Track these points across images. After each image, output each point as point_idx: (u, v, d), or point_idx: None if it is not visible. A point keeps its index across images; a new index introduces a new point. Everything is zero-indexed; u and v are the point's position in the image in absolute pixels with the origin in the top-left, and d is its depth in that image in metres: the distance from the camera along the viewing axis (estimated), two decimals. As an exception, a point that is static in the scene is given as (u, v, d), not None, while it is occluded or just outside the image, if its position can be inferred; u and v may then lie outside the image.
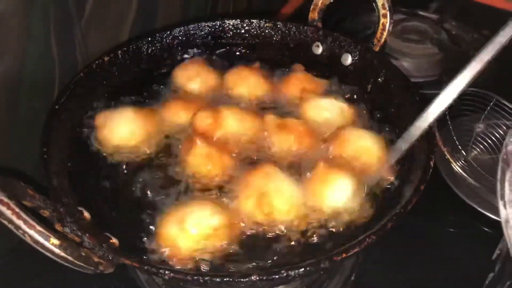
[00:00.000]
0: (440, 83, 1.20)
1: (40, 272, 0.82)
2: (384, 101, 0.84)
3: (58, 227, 0.61)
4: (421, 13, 1.38)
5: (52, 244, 0.52)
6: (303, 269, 0.56)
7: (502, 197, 0.49)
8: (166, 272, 0.56)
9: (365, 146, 0.75)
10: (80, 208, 0.64)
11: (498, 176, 0.51)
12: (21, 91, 0.82)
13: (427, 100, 0.79)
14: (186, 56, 0.95)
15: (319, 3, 0.93)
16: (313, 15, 0.94)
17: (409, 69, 1.22)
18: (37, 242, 0.52)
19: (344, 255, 0.57)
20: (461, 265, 0.88)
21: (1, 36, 0.75)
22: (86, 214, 0.64)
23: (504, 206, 0.49)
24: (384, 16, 0.87)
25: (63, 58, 0.86)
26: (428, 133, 0.71)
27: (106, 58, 0.86)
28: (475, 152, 1.02)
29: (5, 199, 0.52)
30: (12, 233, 0.53)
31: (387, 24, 0.87)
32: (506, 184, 0.49)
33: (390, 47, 1.24)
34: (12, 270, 0.86)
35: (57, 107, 0.76)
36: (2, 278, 0.85)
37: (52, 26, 0.82)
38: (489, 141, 1.01)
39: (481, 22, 1.37)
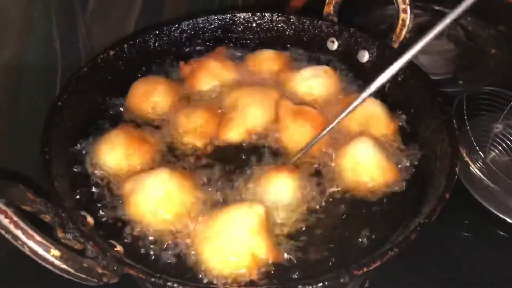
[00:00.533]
0: (455, 81, 1.17)
1: (41, 276, 0.79)
2: (403, 101, 0.81)
3: (60, 233, 0.57)
4: (436, 8, 1.33)
5: (52, 255, 0.48)
6: (321, 284, 0.52)
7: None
8: (175, 285, 0.52)
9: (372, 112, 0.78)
10: (83, 213, 0.61)
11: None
12: (21, 87, 0.79)
13: (448, 100, 0.75)
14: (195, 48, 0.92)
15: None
16: (329, 9, 0.90)
17: (423, 67, 1.18)
18: (36, 253, 0.48)
19: (365, 269, 0.53)
20: (477, 270, 0.85)
21: (1, 29, 0.72)
22: (90, 219, 0.61)
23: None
24: (404, 11, 0.82)
25: (65, 52, 0.83)
26: (451, 137, 0.68)
27: (111, 52, 0.82)
28: (494, 153, 0.98)
29: (3, 207, 0.48)
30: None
31: (407, 20, 0.82)
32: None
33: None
34: (11, 272, 0.84)
35: (59, 103, 0.72)
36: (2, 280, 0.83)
37: (55, 19, 0.79)
38: (508, 142, 0.97)
39: (497, 18, 1.33)
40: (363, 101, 0.64)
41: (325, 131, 0.69)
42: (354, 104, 0.65)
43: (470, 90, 1.14)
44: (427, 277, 0.83)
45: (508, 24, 1.31)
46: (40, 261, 0.48)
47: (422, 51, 1.17)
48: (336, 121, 0.67)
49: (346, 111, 0.66)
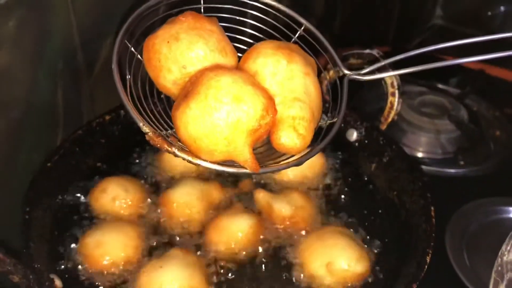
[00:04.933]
0: (455, 162, 1.16)
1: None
2: (387, 182, 0.81)
3: (26, 294, 0.58)
4: (440, 86, 1.34)
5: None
6: None
7: (492, 315, 0.44)
8: None
9: None
10: (52, 276, 0.62)
11: (490, 290, 0.46)
12: (23, 145, 0.81)
13: (431, 185, 0.75)
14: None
15: (327, 76, 0.91)
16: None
17: (423, 145, 1.18)
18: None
19: None
20: None
21: (7, 89, 0.75)
22: (58, 283, 0.62)
23: (493, 325, 0.44)
24: (393, 94, 0.84)
25: (68, 115, 0.86)
26: (429, 225, 0.67)
27: (107, 117, 0.85)
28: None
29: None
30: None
31: (395, 103, 0.84)
32: (498, 300, 0.44)
33: (406, 120, 1.20)
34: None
35: (49, 164, 0.75)
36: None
37: (60, 82, 0.82)
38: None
39: (504, 100, 1.33)
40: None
41: None
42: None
43: (470, 172, 1.14)
44: None
45: (514, 107, 1.31)
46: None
47: (421, 129, 1.18)
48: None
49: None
